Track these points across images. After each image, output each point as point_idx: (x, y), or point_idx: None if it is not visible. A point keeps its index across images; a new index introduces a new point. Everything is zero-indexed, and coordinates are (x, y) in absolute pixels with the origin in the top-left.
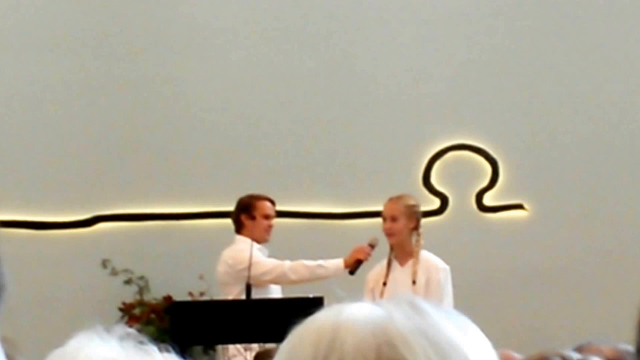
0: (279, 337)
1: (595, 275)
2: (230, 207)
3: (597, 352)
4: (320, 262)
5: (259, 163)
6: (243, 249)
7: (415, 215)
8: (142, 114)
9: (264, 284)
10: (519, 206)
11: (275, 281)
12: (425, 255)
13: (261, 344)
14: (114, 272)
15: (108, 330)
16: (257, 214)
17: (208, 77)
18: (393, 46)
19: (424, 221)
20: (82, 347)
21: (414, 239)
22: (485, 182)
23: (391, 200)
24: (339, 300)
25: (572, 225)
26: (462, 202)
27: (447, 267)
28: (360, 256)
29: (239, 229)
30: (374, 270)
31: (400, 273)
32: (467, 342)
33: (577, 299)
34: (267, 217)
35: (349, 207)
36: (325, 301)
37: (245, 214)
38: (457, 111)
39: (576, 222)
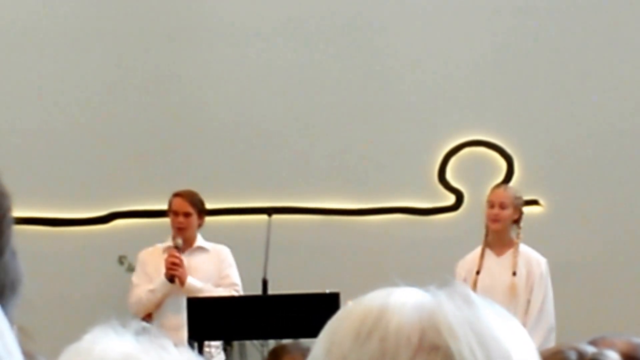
0: (296, 333)
1: (610, 271)
2: (247, 204)
3: (611, 346)
4: (149, 287)
5: (274, 159)
6: (138, 258)
7: (520, 208)
8: (158, 111)
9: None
10: (534, 202)
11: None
12: (524, 248)
13: (277, 340)
14: (130, 268)
15: (124, 325)
16: (169, 210)
17: (225, 74)
18: (409, 43)
19: (439, 217)
20: (97, 341)
21: (514, 231)
22: (500, 178)
23: (500, 187)
24: (394, 285)
25: (588, 221)
26: (477, 198)
27: (546, 260)
28: (167, 264)
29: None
30: (464, 260)
31: (497, 263)
32: (511, 339)
33: (592, 294)
34: (173, 213)
35: (363, 203)
36: (342, 297)
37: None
38: (472, 107)
39: (591, 218)
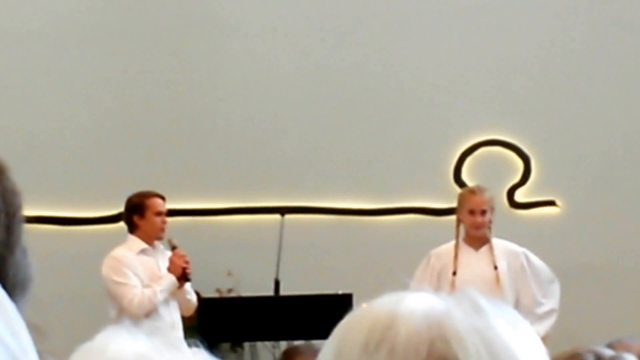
0: (308, 334)
1: (627, 272)
2: (259, 203)
3: (629, 348)
4: (157, 288)
5: (287, 159)
6: (121, 259)
7: (493, 207)
8: (169, 111)
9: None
10: (551, 202)
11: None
12: (499, 241)
13: (289, 341)
14: None
15: (136, 325)
16: (149, 212)
17: (238, 74)
18: (424, 41)
19: (455, 217)
20: (110, 341)
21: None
22: (517, 179)
23: (476, 193)
24: (404, 288)
25: (604, 221)
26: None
27: (524, 249)
28: (182, 264)
29: (132, 229)
30: (438, 253)
31: (476, 257)
32: (521, 345)
33: (609, 296)
34: (159, 214)
35: (378, 203)
36: (355, 297)
37: (137, 214)
38: (488, 106)
39: (608, 218)
